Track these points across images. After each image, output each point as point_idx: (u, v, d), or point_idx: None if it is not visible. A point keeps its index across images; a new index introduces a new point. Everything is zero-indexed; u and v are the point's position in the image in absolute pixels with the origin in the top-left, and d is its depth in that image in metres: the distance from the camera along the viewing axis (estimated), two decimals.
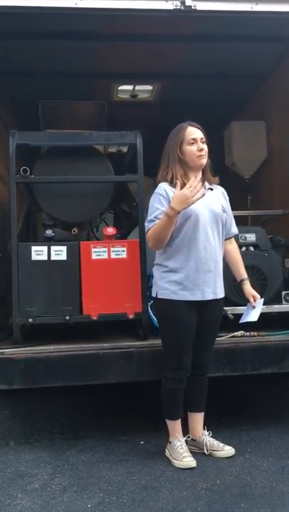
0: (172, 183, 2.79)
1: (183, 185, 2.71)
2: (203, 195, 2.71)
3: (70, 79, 4.63)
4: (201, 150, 2.80)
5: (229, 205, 2.99)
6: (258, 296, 3.03)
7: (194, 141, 2.80)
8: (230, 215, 2.98)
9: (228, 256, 3.03)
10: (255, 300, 3.00)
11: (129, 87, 5.13)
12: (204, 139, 2.83)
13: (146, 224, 2.84)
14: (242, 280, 3.04)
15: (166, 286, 2.79)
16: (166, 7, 3.15)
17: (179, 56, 4.33)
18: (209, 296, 2.81)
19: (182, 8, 3.13)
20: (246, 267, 3.47)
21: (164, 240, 2.76)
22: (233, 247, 3.07)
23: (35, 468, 2.84)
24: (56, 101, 3.86)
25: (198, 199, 2.67)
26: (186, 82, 4.83)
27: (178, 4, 3.13)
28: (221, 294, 2.90)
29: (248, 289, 3.02)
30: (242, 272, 3.05)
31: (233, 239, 3.07)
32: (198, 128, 2.84)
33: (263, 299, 3.05)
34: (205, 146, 2.82)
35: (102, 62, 4.41)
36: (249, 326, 3.34)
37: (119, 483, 2.62)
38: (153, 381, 2.98)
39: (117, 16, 3.26)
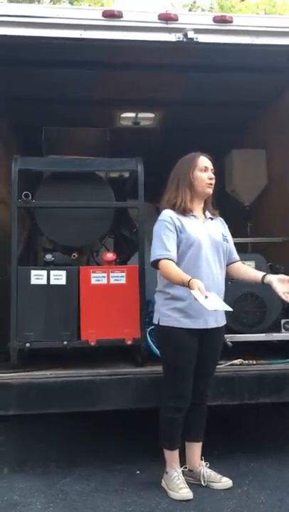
0: (179, 209, 2.83)
1: (188, 211, 2.82)
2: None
3: (74, 106, 4.70)
4: (211, 179, 2.90)
5: (229, 233, 3.01)
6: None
7: (206, 169, 2.89)
8: (231, 243, 3.00)
9: (237, 271, 2.97)
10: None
11: (132, 115, 5.22)
12: (214, 170, 2.92)
13: (161, 252, 2.75)
14: (263, 276, 2.85)
15: (168, 314, 2.79)
16: (169, 39, 3.21)
17: (181, 85, 4.40)
18: (212, 324, 2.81)
19: (184, 40, 3.19)
20: (245, 294, 3.49)
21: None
22: (238, 263, 3.01)
23: (29, 497, 2.79)
24: (59, 127, 3.92)
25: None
26: (187, 110, 4.90)
27: (180, 36, 3.20)
28: (222, 321, 2.90)
29: (275, 280, 2.80)
30: (257, 273, 2.92)
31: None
32: (210, 159, 2.93)
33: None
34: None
35: (106, 90, 4.48)
36: (248, 354, 3.33)
37: None
38: (150, 408, 2.94)
39: (120, 46, 3.33)
